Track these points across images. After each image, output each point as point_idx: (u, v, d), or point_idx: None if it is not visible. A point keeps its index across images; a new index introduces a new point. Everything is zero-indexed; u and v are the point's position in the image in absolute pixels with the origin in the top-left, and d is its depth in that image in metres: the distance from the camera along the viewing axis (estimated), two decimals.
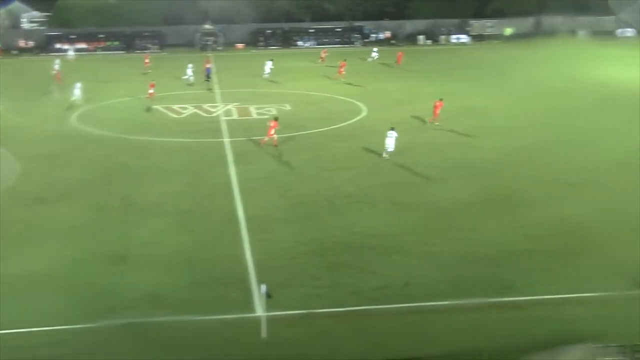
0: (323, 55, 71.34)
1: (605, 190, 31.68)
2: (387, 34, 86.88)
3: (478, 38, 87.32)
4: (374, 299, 21.98)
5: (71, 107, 49.75)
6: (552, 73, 62.53)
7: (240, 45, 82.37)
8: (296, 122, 44.48)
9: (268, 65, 60.99)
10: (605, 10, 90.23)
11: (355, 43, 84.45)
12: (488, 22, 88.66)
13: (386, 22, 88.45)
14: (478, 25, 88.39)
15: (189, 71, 59.79)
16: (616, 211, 29.00)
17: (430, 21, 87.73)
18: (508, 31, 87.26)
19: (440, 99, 44.29)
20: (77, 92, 51.12)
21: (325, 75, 62.27)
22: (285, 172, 34.98)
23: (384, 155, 36.89)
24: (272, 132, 38.80)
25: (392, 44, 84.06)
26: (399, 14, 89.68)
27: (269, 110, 48.47)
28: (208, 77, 59.13)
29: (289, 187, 32.69)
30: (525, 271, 23.78)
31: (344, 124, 44.55)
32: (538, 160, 36.25)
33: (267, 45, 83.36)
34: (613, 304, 21.50)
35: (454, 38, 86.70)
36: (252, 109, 49.24)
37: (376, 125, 43.79)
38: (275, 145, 38.81)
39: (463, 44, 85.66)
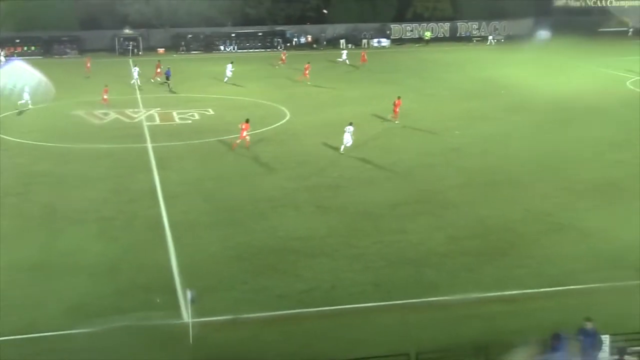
0: (283, 57, 71.48)
1: (523, 190, 32.48)
2: (309, 38, 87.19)
3: (398, 42, 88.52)
4: (301, 302, 22.04)
5: (20, 112, 48.44)
6: (469, 76, 63.71)
7: (161, 50, 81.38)
8: (220, 127, 44.21)
9: (229, 69, 60.89)
10: (523, 14, 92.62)
11: (278, 47, 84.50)
12: (408, 27, 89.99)
13: (308, 27, 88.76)
14: (398, 29, 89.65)
15: (135, 74, 59.47)
16: (535, 210, 29.79)
17: (352, 25, 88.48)
18: (428, 35, 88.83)
19: (399, 97, 45.66)
20: (26, 95, 49.51)
21: (268, 78, 62.02)
22: (209, 177, 34.74)
23: (342, 150, 38.15)
24: (245, 133, 39.01)
25: (314, 49, 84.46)
26: (321, 19, 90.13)
27: (191, 115, 48.11)
28: (167, 78, 58.35)
29: (213, 192, 32.50)
30: (450, 271, 24.21)
31: (268, 128, 44.51)
32: (459, 162, 36.94)
33: (188, 50, 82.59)
34: (532, 301, 22.11)
35: (375, 42, 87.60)
36: (175, 114, 48.76)
37: (299, 128, 44.02)
38: (247, 147, 38.80)
39: (384, 47, 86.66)
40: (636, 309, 21.23)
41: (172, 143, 40.81)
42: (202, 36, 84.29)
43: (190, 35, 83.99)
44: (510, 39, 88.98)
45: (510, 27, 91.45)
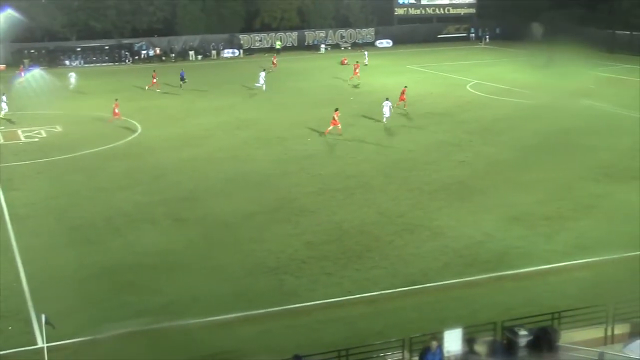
0: (274, 61, 75.03)
1: (376, 193, 33.20)
2: (157, 50, 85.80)
3: (249, 52, 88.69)
4: (162, 316, 21.55)
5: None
6: (319, 84, 64.64)
7: (1, 67, 77.80)
8: (68, 144, 42.70)
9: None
10: (367, 23, 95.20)
11: (125, 61, 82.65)
12: (257, 36, 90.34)
13: (156, 39, 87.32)
14: (247, 39, 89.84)
15: (72, 79, 60.40)
16: (388, 213, 30.50)
17: (200, 37, 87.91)
18: (279, 44, 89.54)
19: (405, 86, 51.24)
20: (4, 105, 48.67)
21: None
22: (59, 195, 33.44)
23: (384, 121, 45.71)
24: (336, 120, 43.56)
25: (164, 61, 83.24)
26: (169, 31, 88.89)
27: (38, 133, 46.18)
28: (182, 79, 62.53)
29: (64, 210, 31.30)
30: (309, 277, 24.37)
31: (119, 142, 43.39)
32: (312, 169, 37.32)
33: (32, 65, 79.34)
34: (390, 301, 22.62)
35: (225, 52, 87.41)
36: (20, 132, 46.65)
37: (152, 142, 43.20)
38: (340, 134, 43.09)
39: (235, 58, 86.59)
40: (486, 302, 22.21)
41: (19, 162, 39.04)
42: (44, 51, 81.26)
43: (33, 51, 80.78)
44: (357, 46, 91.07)
45: (356, 35, 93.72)
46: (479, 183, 34.22)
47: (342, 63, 75.23)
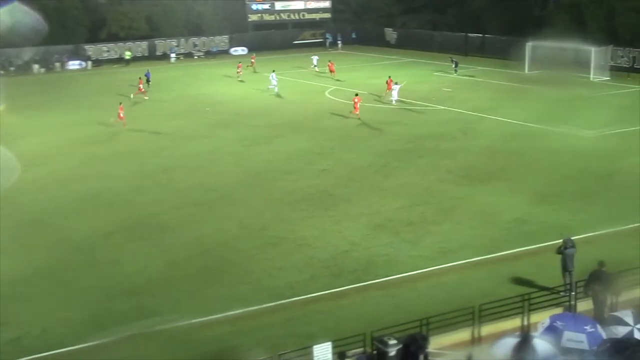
0: (253, 60, 76.34)
1: (238, 206, 33.03)
2: None
3: (96, 63, 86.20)
4: (10, 353, 20.49)
5: None
6: (172, 95, 63.65)
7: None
8: None
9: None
10: (220, 31, 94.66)
11: None
12: (104, 47, 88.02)
13: None
14: (94, 49, 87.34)
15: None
16: (250, 226, 30.38)
17: (42, 48, 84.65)
18: (128, 54, 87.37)
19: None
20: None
21: None
22: None
23: (393, 102, 54.41)
24: (357, 105, 49.89)
25: (1, 75, 79.74)
26: (7, 43, 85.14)
27: None
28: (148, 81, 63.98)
29: None
30: (171, 297, 23.90)
31: None
32: (171, 183, 36.71)
33: None
34: (257, 318, 22.46)
35: (71, 64, 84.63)
36: None
37: None
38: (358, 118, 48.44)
39: (82, 70, 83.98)
40: (354, 312, 22.46)
41: None
42: None
43: None
44: (210, 55, 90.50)
45: (209, 43, 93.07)
46: (342, 191, 34.67)
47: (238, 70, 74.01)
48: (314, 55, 75.24)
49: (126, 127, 48.58)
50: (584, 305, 21.68)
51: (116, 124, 49.28)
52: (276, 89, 62.26)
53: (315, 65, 74.18)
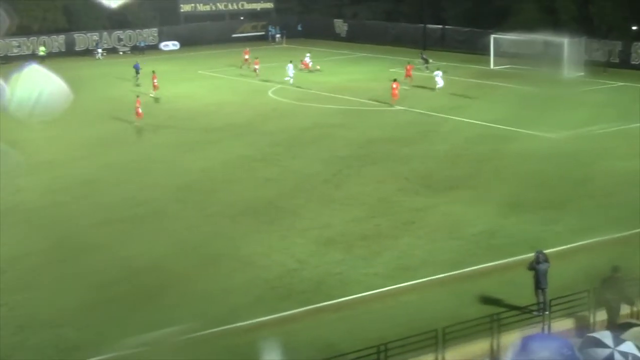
0: (246, 56, 74.81)
1: (170, 221, 32.85)
2: None
3: (5, 60, 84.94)
4: None
5: None
6: (95, 96, 63.07)
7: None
8: None
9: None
10: (149, 24, 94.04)
11: None
12: (14, 41, 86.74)
13: None
14: (2, 44, 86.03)
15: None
16: (185, 243, 30.23)
17: None
18: (43, 50, 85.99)
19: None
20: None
21: None
22: None
23: (437, 89, 59.13)
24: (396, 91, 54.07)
25: None
26: None
27: None
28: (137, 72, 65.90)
29: None
30: (95, 326, 23.59)
31: None
32: (93, 197, 36.32)
33: None
34: (196, 346, 22.27)
35: None
36: None
37: None
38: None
39: None
40: (304, 338, 22.45)
41: None
42: None
43: None
44: (137, 50, 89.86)
45: (136, 37, 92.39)
46: (289, 202, 34.67)
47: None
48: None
49: (30, 134, 47.80)
50: (559, 325, 21.97)
51: (138, 121, 50.45)
52: (291, 81, 63.42)
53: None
